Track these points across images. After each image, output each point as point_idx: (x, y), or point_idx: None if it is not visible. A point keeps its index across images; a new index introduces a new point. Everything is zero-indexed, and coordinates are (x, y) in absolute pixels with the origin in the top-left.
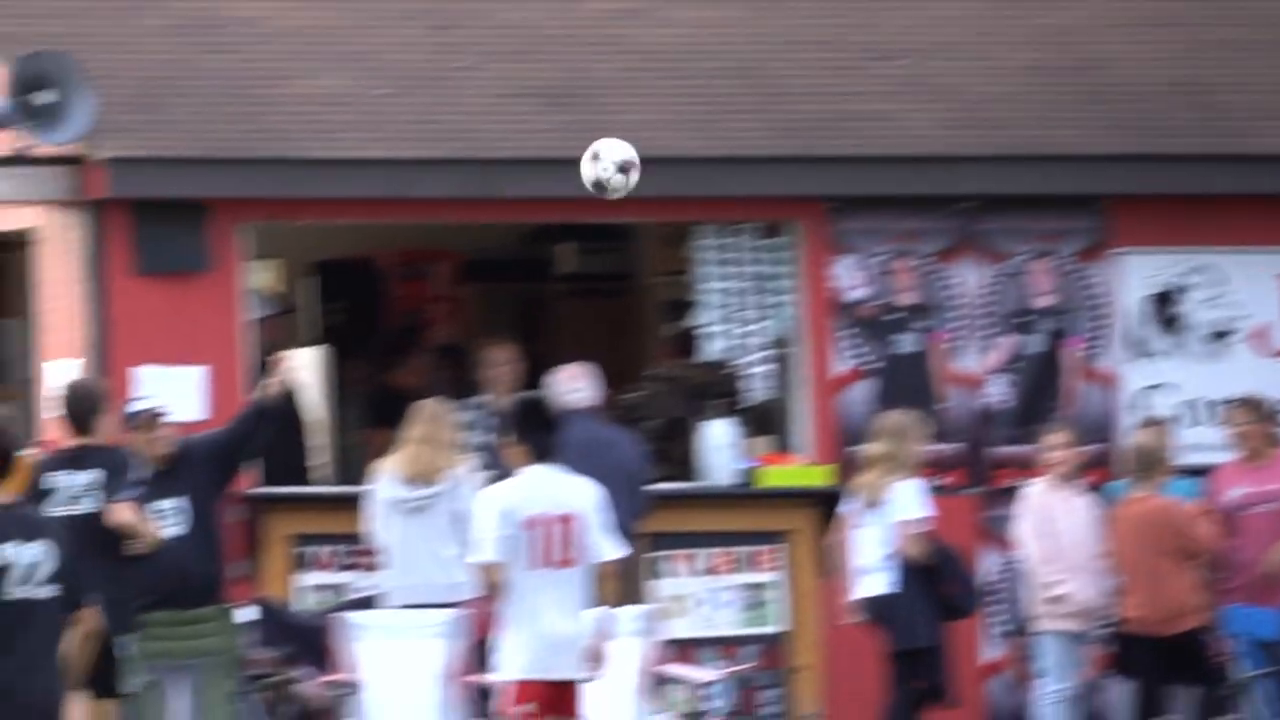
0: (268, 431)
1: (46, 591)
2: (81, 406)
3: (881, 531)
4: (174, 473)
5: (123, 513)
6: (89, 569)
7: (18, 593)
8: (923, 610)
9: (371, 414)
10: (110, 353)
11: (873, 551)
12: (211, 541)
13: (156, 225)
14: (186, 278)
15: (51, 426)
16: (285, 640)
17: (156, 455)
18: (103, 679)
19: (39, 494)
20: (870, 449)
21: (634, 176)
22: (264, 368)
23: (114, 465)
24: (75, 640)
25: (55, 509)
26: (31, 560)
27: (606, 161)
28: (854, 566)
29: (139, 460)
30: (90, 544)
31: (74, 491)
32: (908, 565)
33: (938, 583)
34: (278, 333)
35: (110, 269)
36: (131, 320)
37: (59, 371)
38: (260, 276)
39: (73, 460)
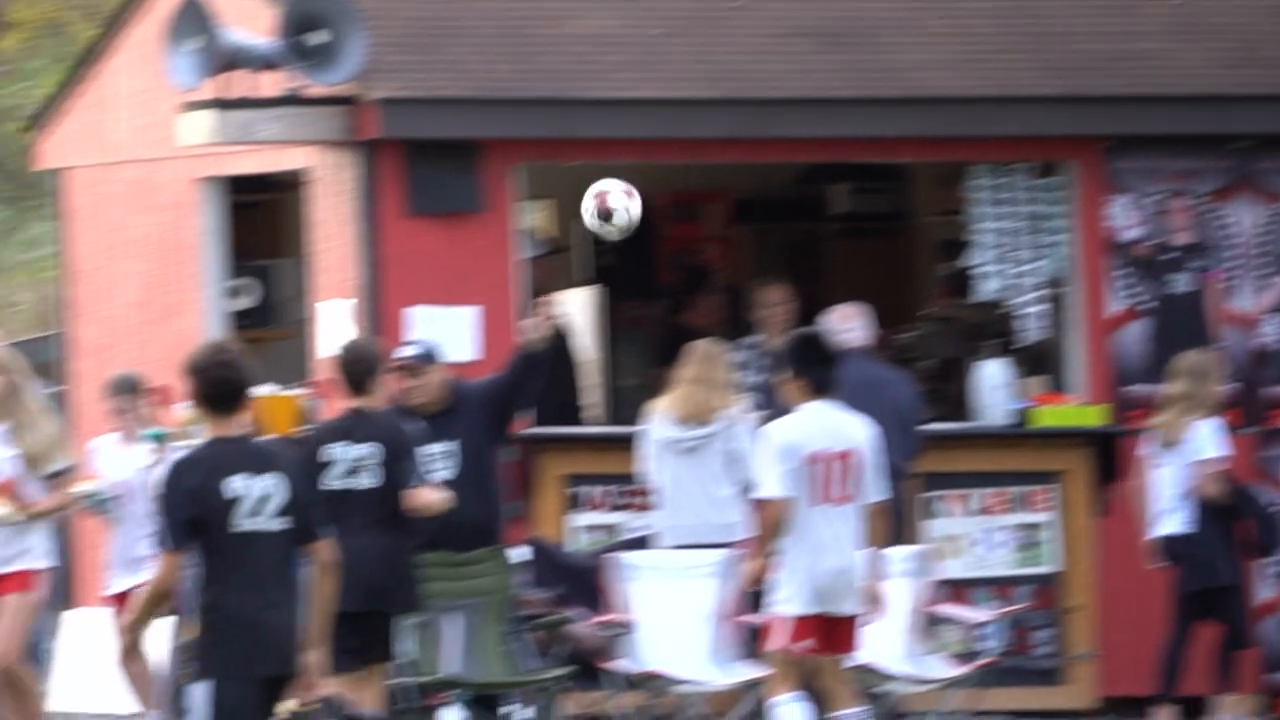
0: (539, 377)
1: (278, 524)
2: (358, 368)
3: (1178, 471)
4: (446, 416)
5: (422, 496)
6: (369, 543)
7: (247, 525)
8: (1221, 549)
9: (660, 354)
10: (382, 293)
11: (1170, 492)
12: (484, 485)
13: (429, 165)
14: (459, 218)
15: (325, 368)
16: (558, 580)
17: (428, 399)
18: (374, 649)
19: (317, 466)
20: (1168, 389)
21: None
22: (534, 309)
23: (392, 438)
24: (314, 574)
25: (333, 482)
26: (262, 493)
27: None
28: (1151, 507)
29: (416, 430)
30: (370, 518)
31: (350, 465)
32: (1205, 505)
33: (1235, 522)
34: (549, 273)
35: (383, 209)
36: (403, 261)
37: (332, 312)
38: (532, 217)
39: (349, 432)
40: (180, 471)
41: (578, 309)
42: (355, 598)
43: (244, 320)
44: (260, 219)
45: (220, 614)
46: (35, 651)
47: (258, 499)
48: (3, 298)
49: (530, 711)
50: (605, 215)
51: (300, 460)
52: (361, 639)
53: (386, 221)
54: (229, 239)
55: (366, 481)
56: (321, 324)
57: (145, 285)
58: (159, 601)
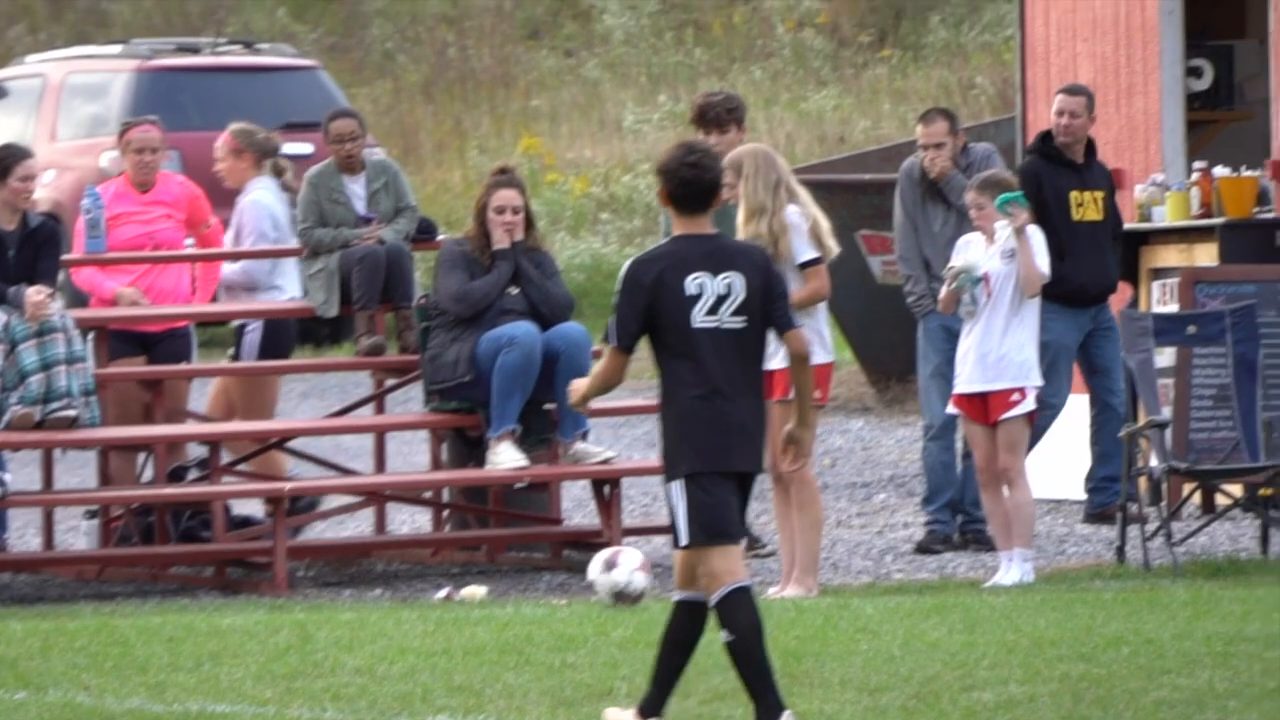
0: None
1: (736, 323)
2: None
3: None
4: None
5: None
6: None
7: (703, 322)
8: None
9: None
10: None
11: None
12: None
13: None
14: None
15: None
16: None
17: None
18: None
19: None
20: None
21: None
22: None
23: None
24: (790, 366)
25: None
26: (720, 291)
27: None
28: None
29: None
30: None
31: None
32: None
33: None
34: None
35: None
36: None
37: None
38: None
39: None
40: (640, 266)
41: None
42: None
43: (1201, 101)
44: None
45: (676, 411)
46: None
47: (716, 298)
48: (964, 80)
49: None
50: (609, 567)
51: None
52: None
53: None
54: (1187, 19)
55: None
56: None
57: (1102, 66)
58: (598, 392)
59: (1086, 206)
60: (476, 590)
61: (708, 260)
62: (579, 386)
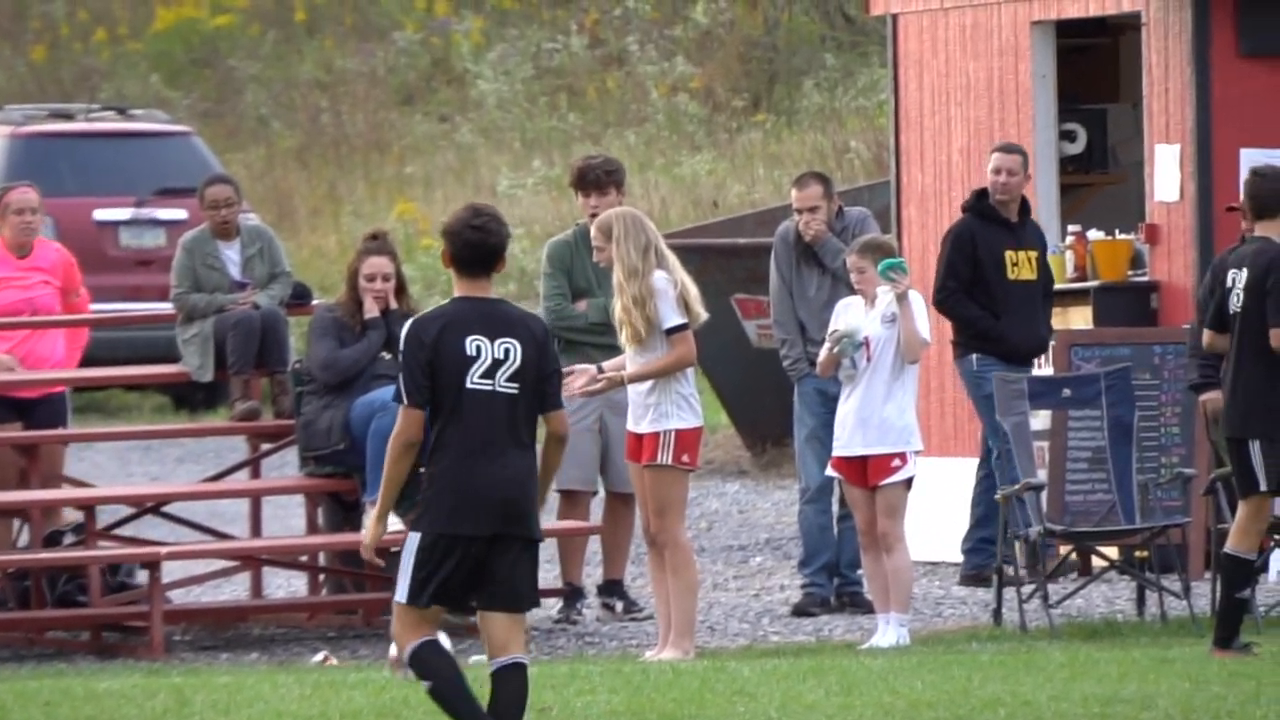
0: None
1: (510, 389)
2: (1264, 192)
3: None
4: None
5: None
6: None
7: (478, 385)
8: None
9: None
10: (1214, 137)
11: None
12: None
13: (1259, 7)
14: None
15: (1156, 212)
16: None
17: None
18: None
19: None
20: None
21: None
22: None
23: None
24: (545, 444)
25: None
26: (497, 356)
27: None
28: None
29: None
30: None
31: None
32: None
33: None
34: None
35: (1215, 51)
36: (1233, 103)
37: (1165, 157)
38: None
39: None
40: (420, 324)
41: None
42: None
43: (1074, 165)
44: (1092, 63)
45: (437, 468)
46: None
47: (492, 361)
48: (838, 144)
49: None
50: None
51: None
52: None
53: (1218, 63)
54: (1060, 83)
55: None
56: (1154, 168)
57: (975, 130)
58: (404, 456)
59: (1021, 266)
60: (330, 658)
61: (485, 324)
62: (366, 542)
